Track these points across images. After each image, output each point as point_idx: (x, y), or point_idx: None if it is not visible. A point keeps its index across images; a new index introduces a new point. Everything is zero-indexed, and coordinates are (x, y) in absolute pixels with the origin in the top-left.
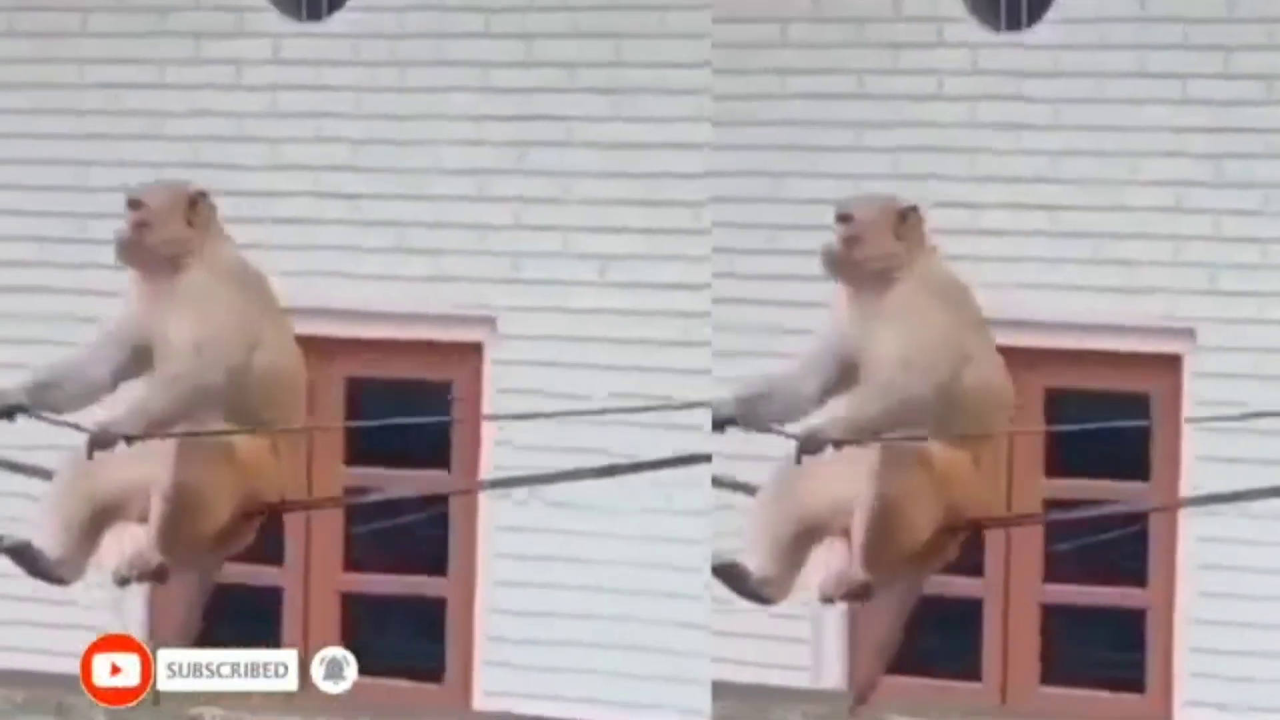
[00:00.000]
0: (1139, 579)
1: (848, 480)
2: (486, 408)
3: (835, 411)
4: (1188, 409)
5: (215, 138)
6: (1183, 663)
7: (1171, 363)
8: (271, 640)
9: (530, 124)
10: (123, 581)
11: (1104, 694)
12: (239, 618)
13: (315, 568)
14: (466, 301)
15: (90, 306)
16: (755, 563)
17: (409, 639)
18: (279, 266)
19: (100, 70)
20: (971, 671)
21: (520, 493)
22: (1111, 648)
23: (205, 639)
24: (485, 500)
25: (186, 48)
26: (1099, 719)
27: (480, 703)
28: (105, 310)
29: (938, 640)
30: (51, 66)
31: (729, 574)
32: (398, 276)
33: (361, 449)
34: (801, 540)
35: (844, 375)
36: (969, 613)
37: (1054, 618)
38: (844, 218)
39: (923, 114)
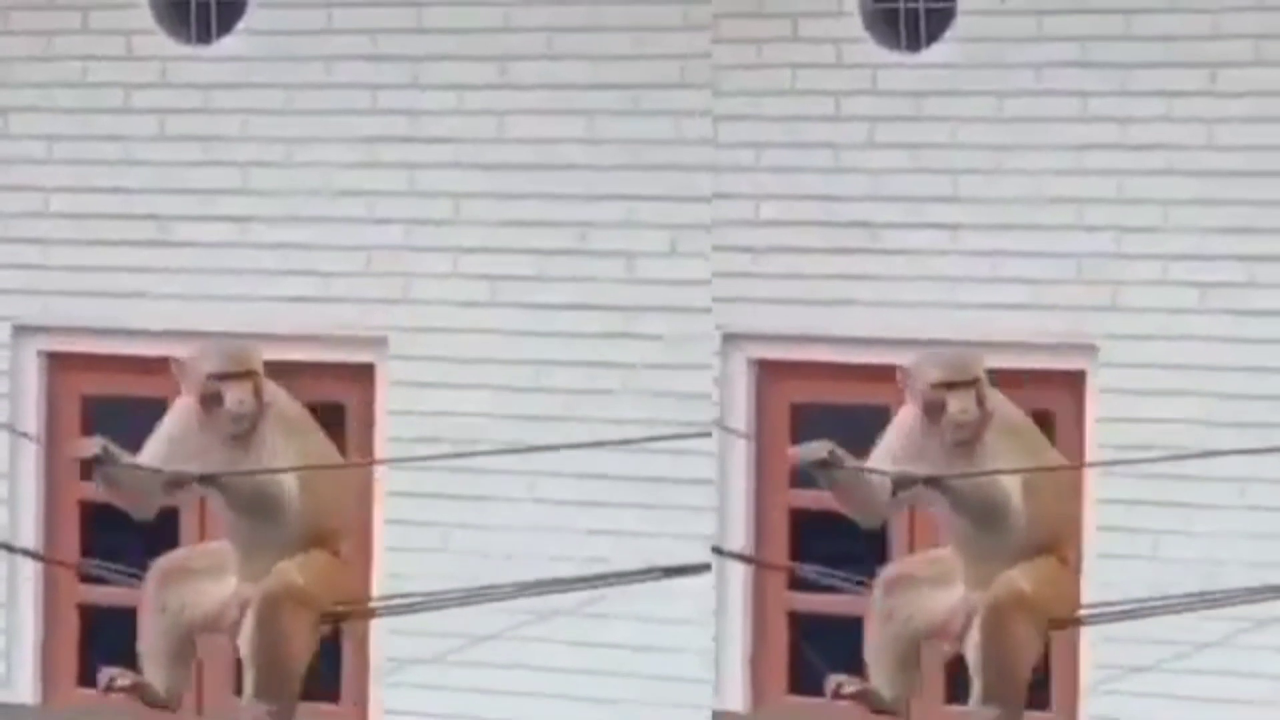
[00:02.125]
0: None
1: (948, 592)
2: (380, 429)
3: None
4: (1091, 425)
5: (103, 161)
6: (1087, 677)
7: (1075, 379)
8: None
9: (419, 146)
10: None
11: None
12: (123, 641)
13: None
14: (358, 322)
15: None
16: (879, 683)
17: None
18: (167, 290)
19: None
20: None
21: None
22: None
23: (89, 661)
24: (378, 521)
25: (74, 71)
26: None
27: None
28: None
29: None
30: None
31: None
32: (288, 298)
33: None
34: (916, 652)
35: None
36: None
37: None
38: (966, 384)
39: (821, 134)
